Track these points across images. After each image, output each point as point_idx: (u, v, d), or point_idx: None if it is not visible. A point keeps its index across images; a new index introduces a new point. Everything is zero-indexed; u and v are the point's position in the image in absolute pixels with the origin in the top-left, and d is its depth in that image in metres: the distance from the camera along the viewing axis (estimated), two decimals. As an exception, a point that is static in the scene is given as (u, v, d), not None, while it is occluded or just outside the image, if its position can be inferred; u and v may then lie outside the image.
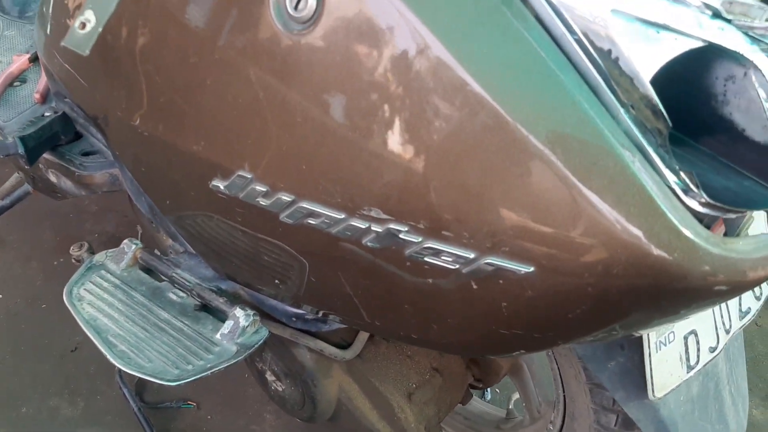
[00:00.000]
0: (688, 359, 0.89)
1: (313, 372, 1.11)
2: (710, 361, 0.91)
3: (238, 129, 0.79)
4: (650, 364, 0.85)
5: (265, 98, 0.75)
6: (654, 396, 0.87)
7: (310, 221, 0.76)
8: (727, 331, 0.93)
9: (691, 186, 0.62)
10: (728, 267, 0.61)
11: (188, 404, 1.64)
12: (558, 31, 0.64)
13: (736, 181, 0.68)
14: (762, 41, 0.65)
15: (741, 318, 0.95)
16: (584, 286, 0.64)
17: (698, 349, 0.90)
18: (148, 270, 1.06)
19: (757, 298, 0.98)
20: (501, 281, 0.67)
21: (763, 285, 1.00)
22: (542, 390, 1.35)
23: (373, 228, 0.71)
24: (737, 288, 0.63)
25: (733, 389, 1.04)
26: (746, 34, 0.65)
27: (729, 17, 0.64)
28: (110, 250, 1.08)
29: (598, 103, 0.62)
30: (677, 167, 0.62)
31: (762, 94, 0.64)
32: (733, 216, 0.68)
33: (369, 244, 0.73)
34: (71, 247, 1.27)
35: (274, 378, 1.19)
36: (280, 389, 1.19)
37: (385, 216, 0.70)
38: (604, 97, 0.63)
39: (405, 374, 1.14)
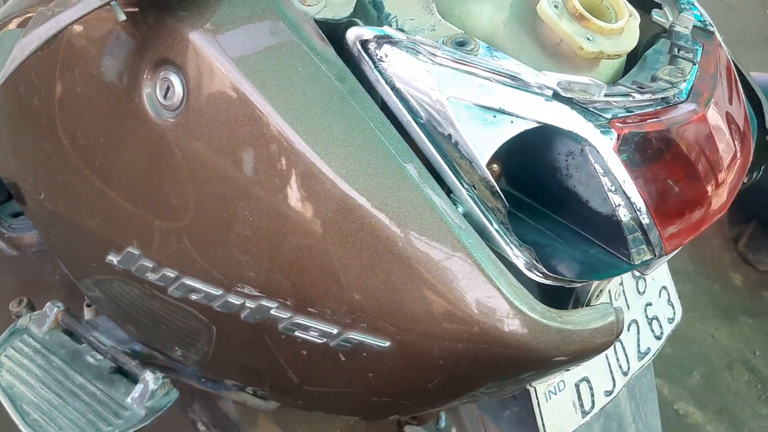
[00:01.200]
0: (582, 405, 0.92)
1: (238, 423, 1.14)
2: (607, 404, 0.94)
3: (124, 208, 0.82)
4: (540, 413, 0.88)
5: (143, 180, 0.78)
6: (548, 442, 0.90)
7: (193, 296, 0.79)
8: (625, 373, 0.96)
9: (532, 260, 0.65)
10: (565, 339, 0.64)
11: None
12: (404, 118, 0.68)
13: (584, 251, 0.71)
14: (602, 116, 0.68)
15: (640, 359, 0.98)
16: (436, 360, 0.67)
17: (592, 395, 0.92)
18: (71, 332, 1.09)
19: (657, 338, 1.01)
20: (364, 354, 0.70)
21: (664, 324, 1.03)
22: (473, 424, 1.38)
23: (247, 304, 0.75)
24: (577, 357, 0.66)
25: (641, 426, 1.06)
26: (587, 110, 0.68)
27: (570, 96, 0.67)
28: (35, 313, 1.11)
29: (438, 188, 0.65)
30: (518, 243, 0.65)
31: (599, 168, 0.67)
32: (577, 285, 0.71)
33: (246, 318, 0.76)
34: (11, 303, 1.30)
35: (204, 429, 1.22)
36: (212, 438, 1.22)
37: (256, 293, 0.73)
38: (448, 180, 0.67)
39: (330, 421, 1.17)
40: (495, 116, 0.66)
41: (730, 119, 0.77)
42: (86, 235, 0.90)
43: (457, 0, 0.77)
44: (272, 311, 0.73)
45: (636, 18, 0.77)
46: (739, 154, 0.78)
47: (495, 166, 0.71)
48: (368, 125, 0.66)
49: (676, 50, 0.76)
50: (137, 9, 0.74)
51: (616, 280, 0.94)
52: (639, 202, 0.68)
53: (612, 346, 0.84)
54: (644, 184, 0.68)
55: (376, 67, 0.68)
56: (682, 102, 0.72)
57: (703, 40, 0.79)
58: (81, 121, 0.83)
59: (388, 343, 0.68)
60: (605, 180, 0.67)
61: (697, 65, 0.75)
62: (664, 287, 1.02)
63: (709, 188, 0.73)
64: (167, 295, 0.82)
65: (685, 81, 0.72)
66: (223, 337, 0.83)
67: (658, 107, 0.70)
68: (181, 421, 1.67)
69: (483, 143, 0.65)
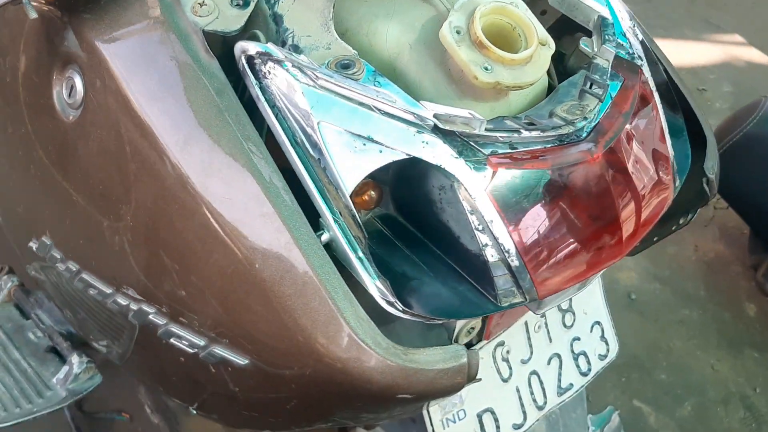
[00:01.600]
0: (486, 436, 0.90)
1: (175, 410, 1.17)
2: (517, 437, 0.92)
3: (40, 198, 0.84)
4: (437, 439, 0.87)
5: (52, 173, 0.80)
6: (446, 470, 0.89)
7: (90, 291, 0.81)
8: (540, 408, 0.94)
9: (387, 293, 0.64)
10: (408, 377, 0.63)
11: (122, 416, 1.71)
12: (280, 138, 0.67)
13: (453, 287, 0.69)
14: (480, 151, 0.65)
15: (560, 394, 0.95)
16: (288, 383, 0.67)
17: (497, 426, 0.90)
18: (20, 307, 1.13)
19: (583, 374, 0.98)
20: (229, 368, 0.71)
21: (593, 360, 0.99)
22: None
23: (131, 306, 0.76)
24: (423, 396, 0.65)
25: None
26: (467, 144, 0.66)
27: (450, 128, 0.65)
28: (-9, 285, 1.16)
29: (299, 212, 0.64)
30: (376, 275, 0.64)
31: (466, 206, 0.65)
32: (438, 322, 0.69)
33: (132, 320, 0.77)
34: (-6, 269, 1.36)
35: (149, 411, 1.25)
36: (155, 421, 1.26)
37: (138, 296, 0.75)
38: (316, 204, 0.66)
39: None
40: (364, 144, 0.64)
41: (640, 161, 0.73)
42: (14, 220, 0.93)
43: (366, 18, 0.76)
44: (150, 316, 0.74)
45: (550, 48, 0.73)
46: (649, 198, 0.74)
47: (372, 193, 0.70)
48: (238, 143, 0.66)
49: (588, 84, 0.73)
50: (49, 8, 0.75)
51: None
52: (508, 243, 0.66)
53: (512, 385, 0.82)
54: (517, 225, 0.66)
55: (259, 83, 0.67)
56: (579, 141, 0.68)
57: (626, 73, 0.75)
58: (6, 111, 0.86)
59: (246, 361, 0.68)
60: (473, 218, 0.65)
61: (605, 102, 0.71)
62: (598, 322, 0.98)
63: (595, 234, 0.70)
64: (73, 287, 0.84)
65: (584, 119, 0.69)
66: (124, 336, 0.84)
67: (550, 145, 0.67)
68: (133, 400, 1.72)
69: (349, 171, 0.64)
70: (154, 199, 0.69)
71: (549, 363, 0.94)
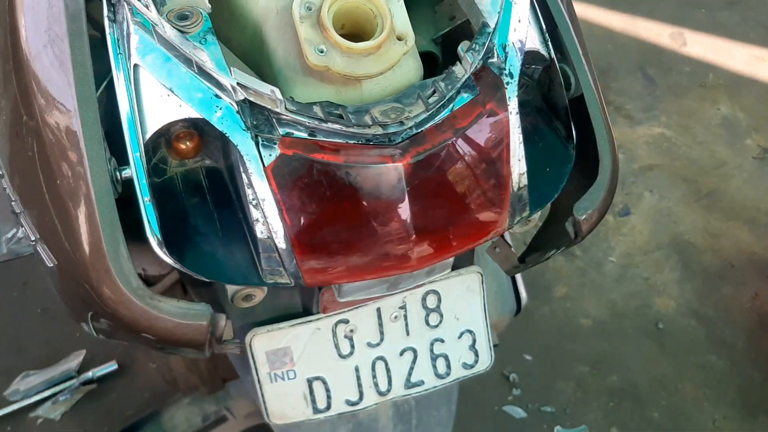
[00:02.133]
0: (314, 401, 0.92)
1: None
2: (349, 412, 0.94)
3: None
4: (261, 390, 0.91)
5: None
6: (270, 420, 0.93)
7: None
8: (381, 393, 0.94)
9: (158, 242, 0.68)
10: (150, 320, 0.67)
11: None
12: (113, 69, 0.71)
13: (233, 251, 0.71)
14: (276, 128, 0.66)
15: (407, 387, 0.95)
16: (81, 295, 0.73)
17: (329, 396, 0.92)
18: None
19: (439, 376, 0.97)
20: (48, 265, 0.78)
21: (455, 366, 0.97)
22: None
23: (14, 205, 0.85)
24: (165, 341, 0.69)
25: None
26: (268, 119, 0.66)
27: (254, 100, 0.66)
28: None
29: (99, 145, 0.69)
30: (156, 222, 0.68)
31: (245, 178, 0.66)
32: (204, 280, 0.72)
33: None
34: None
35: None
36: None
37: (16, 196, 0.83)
38: (126, 140, 0.70)
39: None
40: (168, 95, 0.67)
41: (459, 182, 0.70)
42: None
43: (249, -24, 0.77)
44: (13, 202, 0.83)
45: (406, 46, 0.71)
46: (461, 221, 0.72)
47: (189, 143, 0.72)
48: (67, 68, 0.70)
49: (430, 91, 0.70)
50: None
51: (395, 301, 0.91)
52: (277, 225, 0.67)
53: (352, 363, 0.84)
54: (291, 210, 0.67)
55: (111, 12, 0.71)
56: (386, 146, 0.67)
57: (485, 89, 0.72)
58: None
59: (53, 264, 0.75)
60: (249, 191, 0.67)
61: (436, 113, 0.69)
62: (470, 331, 0.96)
63: (377, 240, 0.69)
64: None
65: (400, 123, 0.67)
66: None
67: (354, 141, 0.67)
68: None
69: (151, 117, 0.68)
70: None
71: (401, 354, 0.94)
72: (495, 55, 0.73)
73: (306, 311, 0.90)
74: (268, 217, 0.67)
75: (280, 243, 0.68)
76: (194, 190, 0.74)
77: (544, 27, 0.79)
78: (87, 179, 0.68)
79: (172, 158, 0.74)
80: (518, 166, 0.74)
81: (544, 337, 1.90)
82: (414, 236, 0.69)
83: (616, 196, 2.18)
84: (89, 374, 1.77)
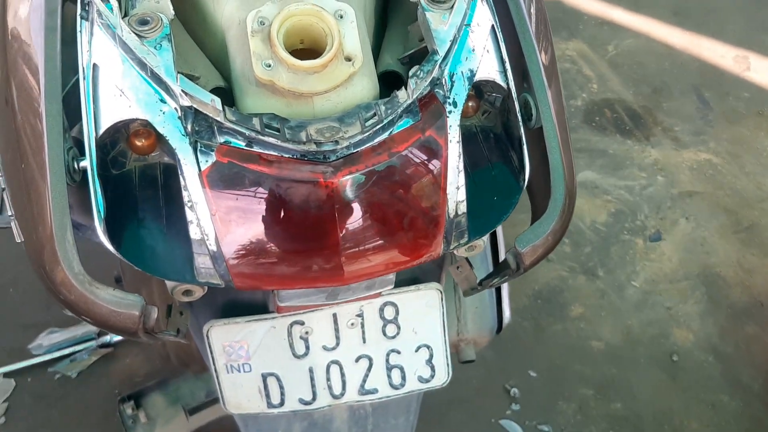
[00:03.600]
0: (268, 396, 0.96)
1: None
2: (303, 410, 0.97)
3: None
4: (218, 379, 0.95)
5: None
6: (227, 409, 0.98)
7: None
8: (335, 396, 0.97)
9: (102, 231, 0.72)
10: (87, 305, 0.72)
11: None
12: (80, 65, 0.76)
13: (174, 247, 0.75)
14: (215, 136, 0.69)
15: (361, 393, 0.98)
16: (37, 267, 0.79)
17: (282, 393, 0.96)
18: None
19: (393, 387, 0.98)
20: (18, 240, 0.84)
21: (410, 379, 0.99)
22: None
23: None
24: (102, 326, 0.74)
25: None
26: (209, 126, 0.70)
27: (199, 108, 0.70)
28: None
29: (59, 136, 0.73)
30: (103, 210, 0.73)
31: (182, 180, 0.70)
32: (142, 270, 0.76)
33: None
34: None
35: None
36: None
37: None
38: (84, 133, 0.74)
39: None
40: (120, 95, 0.71)
41: (392, 205, 0.72)
42: None
43: (218, -15, 0.80)
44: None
45: (353, 67, 0.73)
46: (392, 242, 0.74)
47: (144, 140, 0.76)
48: (39, 60, 0.75)
49: (370, 114, 0.72)
50: None
51: (352, 308, 0.94)
52: (209, 228, 0.70)
53: (306, 363, 0.88)
54: (222, 215, 0.70)
55: (84, 11, 0.76)
56: (319, 162, 0.70)
57: (427, 116, 0.73)
58: None
59: (21, 241, 0.81)
60: (185, 193, 0.70)
61: (371, 136, 0.71)
62: (428, 346, 0.97)
63: (303, 253, 0.71)
64: None
65: (335, 143, 0.69)
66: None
67: (288, 155, 0.70)
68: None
69: (105, 114, 0.72)
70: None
71: (357, 361, 0.96)
72: (443, 82, 0.74)
73: (264, 308, 0.94)
74: (200, 220, 0.70)
75: (212, 245, 0.71)
76: (149, 185, 0.78)
77: (504, 56, 0.79)
78: (45, 166, 0.73)
79: (132, 152, 0.78)
80: (456, 194, 0.75)
81: (553, 355, 1.89)
82: (343, 252, 0.72)
83: (649, 220, 2.15)
84: (107, 338, 1.87)
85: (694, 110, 2.50)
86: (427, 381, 0.99)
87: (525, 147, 0.80)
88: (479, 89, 0.82)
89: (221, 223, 0.70)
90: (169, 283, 0.76)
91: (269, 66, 0.72)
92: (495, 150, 0.84)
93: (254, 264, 0.72)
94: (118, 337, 1.87)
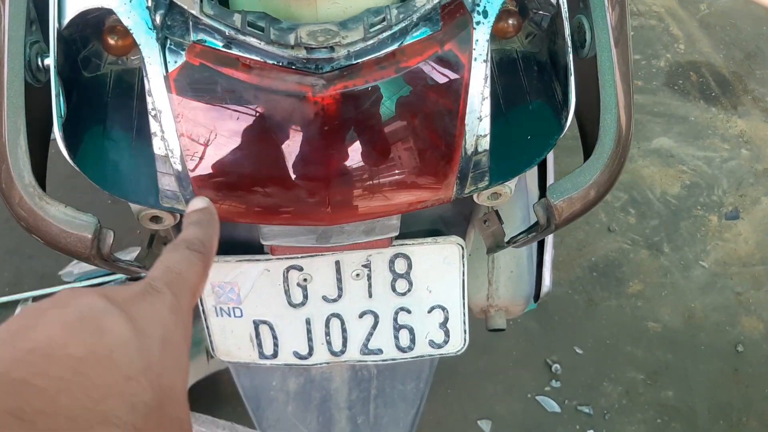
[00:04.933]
0: (260, 346, 0.86)
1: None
2: (298, 365, 0.87)
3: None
4: (207, 322, 0.85)
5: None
6: (216, 356, 0.88)
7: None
8: (334, 353, 0.86)
9: (64, 143, 0.62)
10: (36, 222, 0.63)
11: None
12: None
13: (139, 165, 0.64)
14: (187, 34, 0.58)
15: (363, 353, 0.86)
16: None
17: (276, 344, 0.85)
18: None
19: (401, 349, 0.86)
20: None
21: (420, 343, 0.87)
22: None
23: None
24: (52, 246, 0.64)
25: (359, 416, 0.95)
26: (185, 22, 0.59)
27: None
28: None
29: (21, 31, 0.63)
30: (62, 116, 0.63)
31: (146, 83, 0.59)
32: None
33: None
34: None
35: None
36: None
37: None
38: (48, 27, 0.64)
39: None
40: (85, -15, 0.60)
41: (394, 131, 0.59)
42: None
43: None
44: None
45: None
46: (392, 179, 0.61)
47: (117, 38, 0.65)
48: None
49: (378, 18, 0.59)
50: None
51: (358, 257, 0.82)
52: (174, 143, 0.59)
53: (303, 314, 0.78)
54: (190, 128, 0.59)
55: None
56: (310, 72, 0.57)
57: (448, 27, 0.59)
58: None
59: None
60: (149, 99, 0.59)
61: (379, 44, 0.58)
62: (443, 308, 0.85)
63: (282, 182, 0.60)
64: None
65: (331, 49, 0.57)
66: None
67: (273, 61, 0.58)
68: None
69: (68, 3, 0.61)
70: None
71: (361, 317, 0.85)
72: (474, -14, 0.60)
73: (261, 248, 0.83)
74: (165, 132, 0.59)
75: (176, 164, 0.60)
76: (124, 93, 0.68)
77: (557, -40, 0.64)
78: (3, 61, 0.63)
79: (106, 53, 0.67)
80: (477, 126, 0.61)
81: (603, 333, 1.74)
82: (330, 185, 0.59)
83: (727, 196, 1.95)
84: (143, 273, 1.81)
85: (792, 80, 2.25)
86: (440, 347, 0.87)
87: (572, 78, 0.65)
88: (523, 4, 0.68)
89: (187, 138, 0.59)
90: (134, 207, 0.66)
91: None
92: (537, 81, 0.69)
93: (225, 190, 0.61)
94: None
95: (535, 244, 1.10)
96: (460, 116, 0.61)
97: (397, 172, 0.61)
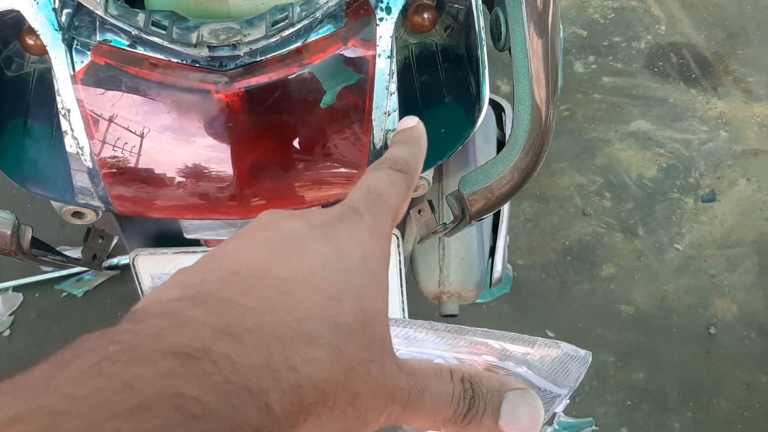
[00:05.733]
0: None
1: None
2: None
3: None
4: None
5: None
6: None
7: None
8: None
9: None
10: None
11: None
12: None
13: (60, 163, 0.66)
14: (93, 34, 0.59)
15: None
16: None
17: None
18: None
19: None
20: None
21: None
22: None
23: None
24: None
25: None
26: (92, 21, 0.60)
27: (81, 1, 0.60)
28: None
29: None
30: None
31: (55, 84, 0.60)
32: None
33: None
34: None
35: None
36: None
37: None
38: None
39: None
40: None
41: (300, 126, 0.60)
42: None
43: None
44: None
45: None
46: (295, 172, 0.62)
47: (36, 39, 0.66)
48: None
49: (282, 15, 0.59)
50: None
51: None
52: (83, 140, 0.61)
53: None
54: (98, 126, 0.60)
55: None
56: (215, 71, 0.58)
57: (352, 24, 0.60)
58: None
59: None
60: (59, 99, 0.60)
61: (280, 40, 0.59)
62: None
63: (190, 174, 0.61)
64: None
65: (233, 47, 0.58)
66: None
67: (177, 60, 0.59)
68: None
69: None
70: None
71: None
72: (379, -19, 0.61)
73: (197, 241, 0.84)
74: (74, 131, 0.61)
75: (87, 161, 0.61)
76: (46, 91, 0.69)
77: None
78: None
79: (28, 53, 0.68)
80: (385, 121, 0.62)
81: (575, 317, 1.75)
82: (237, 180, 0.60)
83: (704, 178, 1.95)
84: (115, 260, 1.83)
85: (773, 60, 2.24)
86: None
87: (484, 72, 0.66)
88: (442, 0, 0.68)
89: (96, 136, 0.60)
90: (55, 204, 0.67)
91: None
92: (455, 74, 0.70)
93: (135, 186, 0.62)
94: (126, 260, 1.83)
95: (488, 231, 1.12)
96: (367, 111, 0.62)
97: (306, 166, 0.62)
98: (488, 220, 1.14)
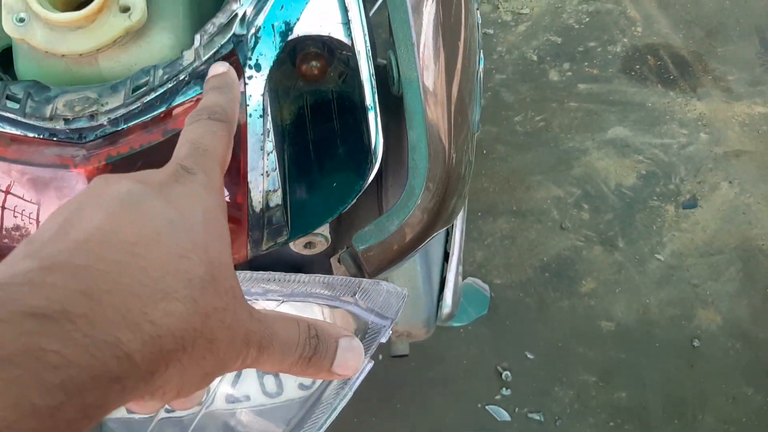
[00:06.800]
0: (127, 398, 0.84)
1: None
2: (167, 418, 0.85)
3: None
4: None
5: None
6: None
7: None
8: (200, 404, 0.84)
9: None
10: None
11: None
12: None
13: None
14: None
15: (229, 401, 0.84)
16: None
17: (141, 396, 0.84)
18: None
19: (267, 394, 0.84)
20: None
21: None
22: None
23: None
24: None
25: None
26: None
27: None
28: None
29: None
30: None
31: None
32: None
33: None
34: None
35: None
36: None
37: None
38: None
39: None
40: None
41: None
42: None
43: None
44: None
45: (130, 20, 0.58)
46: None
47: None
48: None
49: (141, 79, 0.56)
50: None
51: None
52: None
53: None
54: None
55: None
56: (74, 144, 0.55)
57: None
58: None
59: None
60: None
61: (141, 107, 0.55)
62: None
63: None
64: None
65: (91, 117, 0.55)
66: None
67: (34, 134, 0.55)
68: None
69: None
70: None
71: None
72: (247, 40, 0.57)
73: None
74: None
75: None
76: None
77: (351, 2, 0.61)
78: None
79: None
80: (262, 182, 0.59)
81: (555, 336, 1.70)
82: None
83: (684, 183, 1.90)
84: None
85: (755, 56, 2.18)
86: (308, 388, 0.85)
87: (374, 121, 0.62)
88: (330, 47, 0.65)
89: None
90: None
91: (22, 21, 0.57)
92: (349, 124, 0.66)
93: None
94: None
95: (437, 263, 1.08)
96: (242, 174, 0.58)
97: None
98: (438, 249, 1.10)
